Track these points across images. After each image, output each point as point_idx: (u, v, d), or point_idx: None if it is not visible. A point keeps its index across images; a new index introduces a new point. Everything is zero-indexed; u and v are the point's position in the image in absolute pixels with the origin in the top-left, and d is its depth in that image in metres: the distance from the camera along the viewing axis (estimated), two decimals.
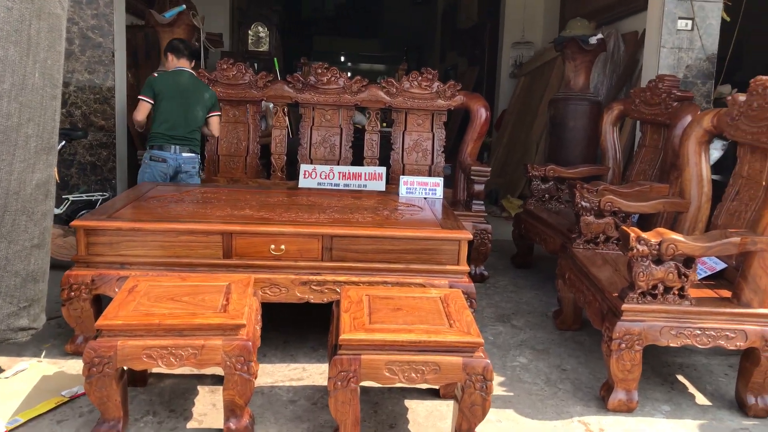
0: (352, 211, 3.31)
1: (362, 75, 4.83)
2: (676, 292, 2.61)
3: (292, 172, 4.89)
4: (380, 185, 4.44)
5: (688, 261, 2.61)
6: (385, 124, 6.78)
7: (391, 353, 2.20)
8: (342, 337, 2.18)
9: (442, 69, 14.64)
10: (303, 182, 4.44)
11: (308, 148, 4.73)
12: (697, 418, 2.67)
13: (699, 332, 2.60)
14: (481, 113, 4.61)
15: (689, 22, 5.18)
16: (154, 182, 3.99)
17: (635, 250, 2.54)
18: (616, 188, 3.68)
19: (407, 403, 2.69)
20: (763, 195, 2.80)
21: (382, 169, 4.51)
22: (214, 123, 4.39)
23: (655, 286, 2.60)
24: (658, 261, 2.59)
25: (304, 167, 4.48)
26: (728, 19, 5.19)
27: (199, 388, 2.75)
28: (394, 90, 4.66)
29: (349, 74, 4.73)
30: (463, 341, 2.20)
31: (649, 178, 4.09)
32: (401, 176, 3.90)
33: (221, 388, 2.40)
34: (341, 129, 4.73)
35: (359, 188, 4.40)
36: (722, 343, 2.60)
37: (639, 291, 2.60)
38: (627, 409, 2.67)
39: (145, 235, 2.88)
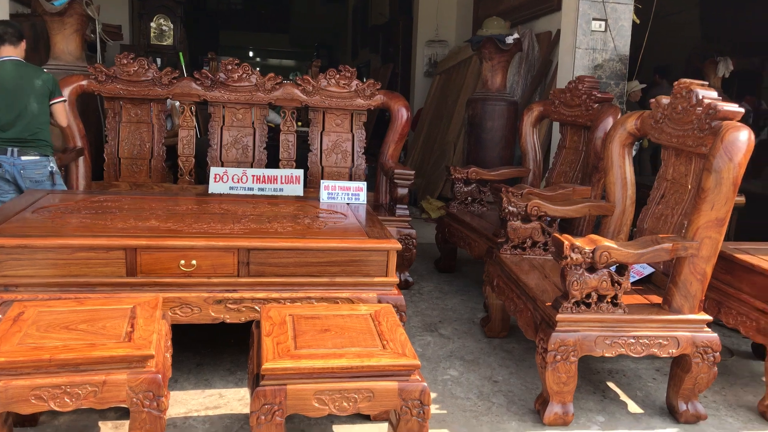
0: (269, 219, 3.08)
1: (271, 71, 4.58)
2: (609, 301, 2.56)
3: (203, 176, 4.58)
4: (298, 189, 4.23)
5: (621, 268, 2.57)
6: (300, 123, 6.54)
7: (321, 382, 2.01)
8: (265, 366, 1.97)
9: (354, 66, 14.51)
10: (213, 187, 4.16)
11: (219, 150, 4.44)
12: (631, 428, 2.64)
13: (633, 341, 2.57)
14: (402, 114, 4.47)
15: (602, 23, 5.26)
16: (45, 190, 3.58)
17: (569, 259, 2.47)
18: (541, 191, 3.65)
19: (336, 429, 2.50)
20: (691, 200, 2.80)
21: (300, 172, 4.30)
22: (58, 111, 3.83)
23: (588, 295, 2.54)
24: (591, 269, 2.52)
25: (214, 170, 4.20)
26: (638, 21, 5.32)
27: (101, 424, 2.45)
28: (311, 88, 4.44)
29: (258, 70, 4.46)
30: (398, 364, 2.04)
31: (570, 179, 4.09)
32: (322, 181, 3.69)
33: (127, 422, 2.13)
34: (254, 129, 4.47)
35: (275, 193, 4.17)
36: (655, 351, 2.58)
37: (573, 300, 2.53)
38: (563, 423, 2.60)
39: (33, 252, 2.53)
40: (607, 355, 2.55)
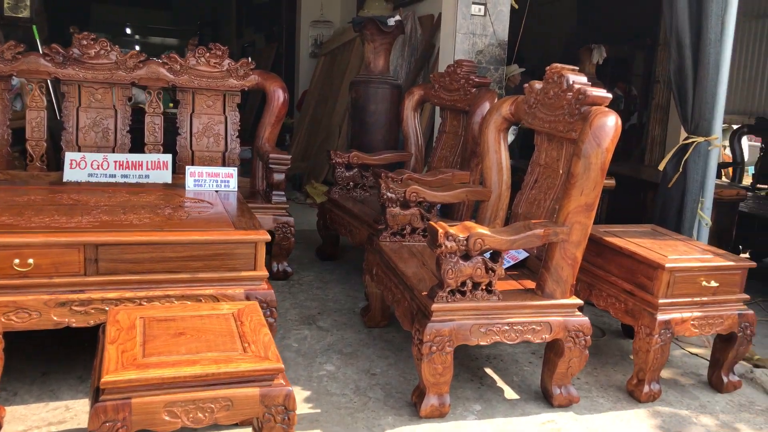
0: (125, 210, 2.81)
1: (153, 50, 4.23)
2: (484, 288, 2.52)
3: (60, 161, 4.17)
4: (166, 176, 3.93)
5: (495, 255, 2.53)
6: (172, 105, 6.15)
7: (172, 392, 1.81)
8: (105, 379, 1.74)
9: (239, 45, 13.98)
10: (69, 174, 3.78)
11: (75, 133, 4.04)
12: (507, 415, 2.62)
13: (507, 328, 2.54)
14: (279, 95, 4.26)
15: (482, 7, 5.26)
16: None
17: (444, 247, 2.39)
18: (420, 177, 3.57)
19: None
20: (561, 185, 2.81)
21: (168, 157, 3.99)
22: None
23: (463, 283, 2.48)
24: (466, 256, 2.47)
25: (69, 156, 3.82)
26: (516, 6, 5.37)
27: None
28: (178, 67, 4.13)
29: (138, 48, 4.10)
30: (260, 369, 1.88)
31: (450, 164, 4.06)
32: (187, 167, 3.43)
33: None
34: (116, 111, 4.10)
35: (140, 180, 3.85)
36: (529, 337, 2.56)
37: (448, 289, 2.46)
38: (440, 415, 2.54)
39: None
40: (482, 343, 2.51)
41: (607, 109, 2.55)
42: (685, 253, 2.88)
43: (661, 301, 2.74)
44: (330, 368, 2.92)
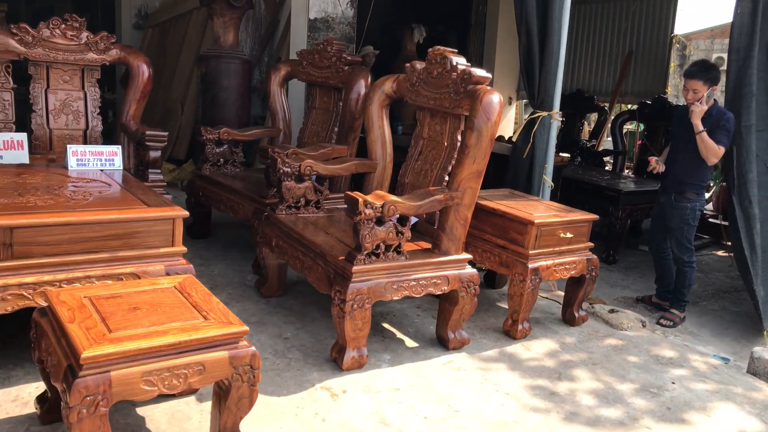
0: (20, 193, 2.69)
1: None
2: (394, 249, 2.82)
3: None
4: (22, 156, 3.70)
5: (402, 219, 2.84)
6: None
7: (148, 362, 1.89)
8: (85, 354, 1.78)
9: (29, 12, 12.67)
10: None
11: None
12: (413, 360, 2.98)
13: (414, 283, 2.88)
14: (143, 70, 4.14)
15: None
16: None
17: (363, 214, 2.65)
18: (305, 151, 3.76)
19: (141, 411, 2.36)
20: (447, 155, 3.19)
21: (22, 136, 3.74)
22: None
23: (377, 246, 2.77)
24: (380, 222, 2.75)
25: None
26: None
27: None
28: (30, 39, 3.85)
29: None
30: (228, 333, 2.01)
31: (323, 139, 4.28)
32: (69, 146, 3.29)
33: None
34: None
35: None
36: (431, 290, 2.93)
37: (365, 252, 2.73)
38: (359, 365, 2.83)
39: None
40: (395, 298, 2.82)
41: (490, 87, 2.96)
42: (544, 211, 3.43)
43: (531, 252, 3.25)
44: None
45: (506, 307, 3.75)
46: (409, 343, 3.16)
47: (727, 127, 3.58)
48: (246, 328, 2.05)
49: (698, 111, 3.58)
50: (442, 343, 3.15)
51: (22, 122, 3.95)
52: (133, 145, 4.05)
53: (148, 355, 1.88)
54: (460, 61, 3.11)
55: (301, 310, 3.40)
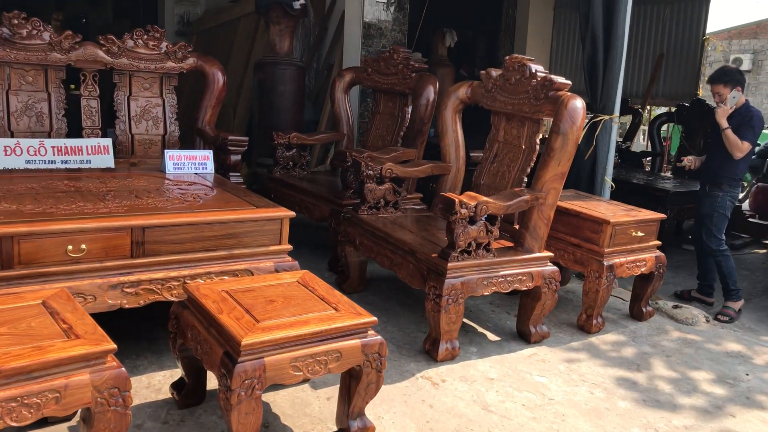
0: (138, 195, 2.88)
1: None
2: (484, 247, 2.98)
3: None
4: (108, 160, 3.90)
5: (491, 218, 3.00)
6: (73, 87, 5.84)
7: (294, 349, 2.06)
8: (244, 342, 1.95)
9: (66, 19, 12.92)
10: (4, 161, 3.62)
11: (6, 119, 3.83)
12: (499, 352, 3.14)
13: (502, 279, 3.04)
14: (218, 77, 4.33)
15: None
16: None
17: (459, 214, 2.82)
18: (378, 155, 3.93)
19: (265, 397, 2.53)
20: (526, 157, 3.35)
21: (108, 141, 3.96)
22: None
23: (469, 244, 2.93)
24: (472, 221, 2.91)
25: (3, 142, 3.65)
26: None
27: None
28: (116, 49, 4.06)
29: None
30: (360, 323, 2.18)
31: (388, 143, 4.45)
32: (166, 150, 3.48)
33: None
34: (49, 94, 3.94)
35: (81, 165, 3.80)
36: (517, 285, 3.09)
37: (459, 250, 2.90)
38: (452, 357, 2.99)
39: None
40: (485, 294, 2.98)
41: (572, 93, 3.12)
42: (614, 211, 3.58)
43: (606, 250, 3.40)
44: None
45: (574, 302, 3.91)
46: (491, 336, 3.32)
47: (752, 124, 3.86)
48: (375, 318, 2.22)
49: (721, 111, 3.89)
50: (523, 336, 3.30)
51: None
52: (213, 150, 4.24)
53: (295, 343, 2.06)
54: (539, 69, 3.27)
55: (383, 305, 3.57)
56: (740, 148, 3.84)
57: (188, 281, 2.61)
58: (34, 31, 3.83)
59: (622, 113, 8.10)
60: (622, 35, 3.96)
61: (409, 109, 4.33)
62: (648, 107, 8.39)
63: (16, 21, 3.80)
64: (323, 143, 5.12)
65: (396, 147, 4.17)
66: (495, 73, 3.51)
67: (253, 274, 2.75)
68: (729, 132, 3.84)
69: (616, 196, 4.32)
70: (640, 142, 10.55)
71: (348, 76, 4.75)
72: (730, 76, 3.92)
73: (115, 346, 1.81)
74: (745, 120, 3.85)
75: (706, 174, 4.12)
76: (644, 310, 3.73)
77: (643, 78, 8.18)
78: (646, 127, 8.25)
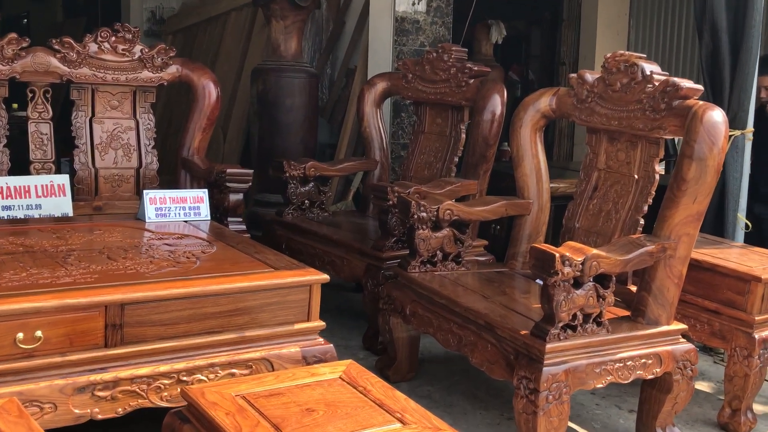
0: (109, 255, 2.66)
1: None
2: (593, 320, 2.72)
3: None
4: (64, 204, 3.75)
5: (602, 279, 2.74)
6: (16, 106, 5.75)
7: None
8: None
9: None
10: None
11: None
12: None
13: (620, 365, 2.76)
14: (210, 91, 4.14)
15: None
16: None
17: (561, 274, 2.56)
18: (428, 190, 3.70)
19: None
20: (641, 191, 3.10)
21: (64, 179, 3.81)
22: None
23: (574, 316, 2.66)
24: (577, 283, 2.65)
25: None
26: None
27: None
28: (75, 56, 3.89)
29: None
30: None
31: (438, 171, 4.23)
32: (145, 191, 3.28)
33: None
34: None
35: (29, 213, 3.63)
36: (640, 372, 2.80)
37: (560, 324, 2.63)
38: None
39: None
40: (598, 385, 2.71)
41: (705, 102, 2.88)
42: (763, 263, 3.30)
43: (757, 318, 3.11)
44: None
45: (705, 388, 3.62)
46: None
47: None
48: None
49: None
50: None
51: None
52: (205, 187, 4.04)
53: None
54: (655, 70, 3.04)
55: (445, 400, 3.30)
56: None
57: (185, 378, 2.38)
58: None
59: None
60: (759, 22, 3.73)
61: (465, 127, 4.13)
62: None
63: None
64: (346, 174, 4.88)
65: (451, 179, 3.95)
66: (591, 77, 3.28)
67: (273, 366, 2.53)
68: None
69: (751, 239, 4.05)
70: None
71: (381, 84, 4.55)
72: None
73: None
74: None
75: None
76: None
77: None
78: None
